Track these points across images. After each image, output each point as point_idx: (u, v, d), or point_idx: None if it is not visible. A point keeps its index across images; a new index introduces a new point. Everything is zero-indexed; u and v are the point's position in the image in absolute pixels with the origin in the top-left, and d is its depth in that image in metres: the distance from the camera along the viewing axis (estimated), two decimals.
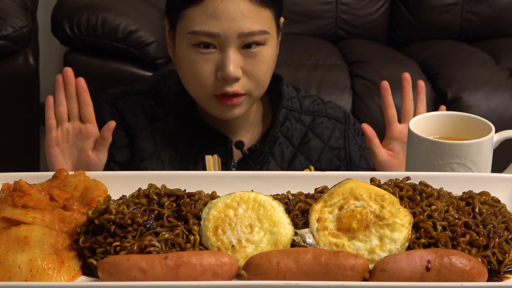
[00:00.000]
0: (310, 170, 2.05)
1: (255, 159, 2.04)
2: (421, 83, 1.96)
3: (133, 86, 2.14)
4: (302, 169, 2.06)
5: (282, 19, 2.01)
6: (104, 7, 3.59)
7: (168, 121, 2.06)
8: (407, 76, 1.93)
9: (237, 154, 2.06)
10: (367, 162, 2.12)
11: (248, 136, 2.08)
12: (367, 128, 1.89)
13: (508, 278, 1.23)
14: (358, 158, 2.12)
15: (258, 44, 1.89)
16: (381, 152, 1.89)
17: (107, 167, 1.98)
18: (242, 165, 2.03)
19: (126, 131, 2.07)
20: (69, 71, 1.90)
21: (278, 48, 2.02)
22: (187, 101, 2.04)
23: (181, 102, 2.06)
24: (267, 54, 1.92)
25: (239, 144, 2.04)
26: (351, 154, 2.12)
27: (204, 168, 1.84)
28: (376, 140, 1.89)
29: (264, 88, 1.97)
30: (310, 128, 2.12)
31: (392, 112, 1.92)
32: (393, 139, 1.91)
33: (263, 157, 2.05)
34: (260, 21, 1.88)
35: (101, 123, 1.98)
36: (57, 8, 3.67)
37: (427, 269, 1.18)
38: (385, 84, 1.93)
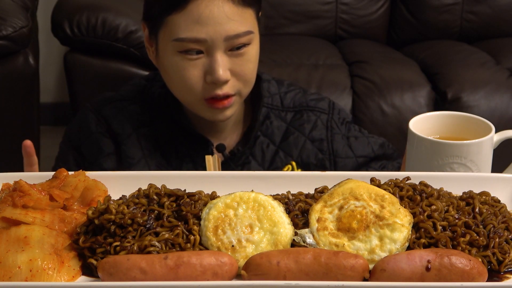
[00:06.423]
0: (292, 166, 2.03)
1: (236, 162, 2.02)
2: None
3: (117, 92, 2.11)
4: (283, 166, 2.03)
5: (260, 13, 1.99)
6: (104, 7, 3.59)
7: (154, 126, 2.03)
8: None
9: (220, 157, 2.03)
10: (352, 150, 2.08)
11: (230, 137, 2.06)
12: None
13: (508, 278, 1.23)
14: (341, 148, 2.08)
15: (244, 44, 1.88)
16: None
17: None
18: (225, 168, 1.99)
19: (113, 139, 2.03)
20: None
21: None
22: (171, 105, 2.01)
23: (165, 106, 2.03)
24: (253, 53, 1.91)
25: (221, 148, 2.02)
26: (333, 144, 2.07)
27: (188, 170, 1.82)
28: None
29: (251, 85, 1.96)
30: (291, 124, 2.09)
31: None
32: None
33: (244, 158, 2.03)
34: (245, 22, 1.87)
35: (87, 133, 1.98)
36: (57, 8, 3.67)
37: (427, 269, 1.17)
38: None
